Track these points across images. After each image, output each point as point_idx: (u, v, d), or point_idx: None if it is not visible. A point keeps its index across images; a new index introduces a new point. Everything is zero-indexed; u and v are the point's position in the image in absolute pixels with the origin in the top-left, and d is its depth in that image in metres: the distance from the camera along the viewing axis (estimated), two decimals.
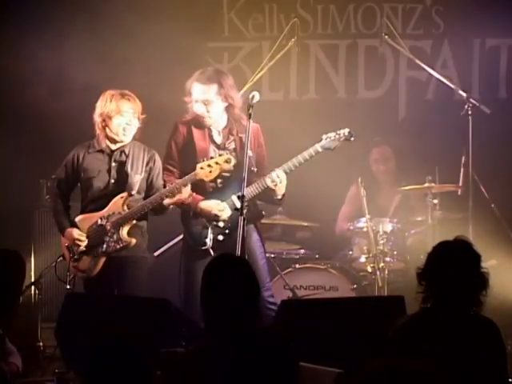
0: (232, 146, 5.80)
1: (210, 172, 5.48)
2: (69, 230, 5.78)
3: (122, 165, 5.78)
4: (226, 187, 5.70)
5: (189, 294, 5.65)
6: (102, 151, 5.82)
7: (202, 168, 5.48)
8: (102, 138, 5.80)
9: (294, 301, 6.24)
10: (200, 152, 5.74)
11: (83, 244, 5.72)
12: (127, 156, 5.79)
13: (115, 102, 5.71)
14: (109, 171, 5.79)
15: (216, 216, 5.67)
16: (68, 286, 5.69)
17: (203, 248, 5.65)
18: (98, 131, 5.79)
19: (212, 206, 5.68)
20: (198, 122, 5.80)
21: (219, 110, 5.77)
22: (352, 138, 5.71)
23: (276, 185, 5.63)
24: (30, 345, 6.47)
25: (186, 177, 5.60)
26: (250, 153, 5.66)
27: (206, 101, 5.71)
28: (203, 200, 5.71)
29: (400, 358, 2.24)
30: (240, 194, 5.23)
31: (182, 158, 5.81)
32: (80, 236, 5.73)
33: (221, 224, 5.70)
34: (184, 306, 5.58)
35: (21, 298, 4.62)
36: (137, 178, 5.74)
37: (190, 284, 5.65)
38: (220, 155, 5.56)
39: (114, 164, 5.79)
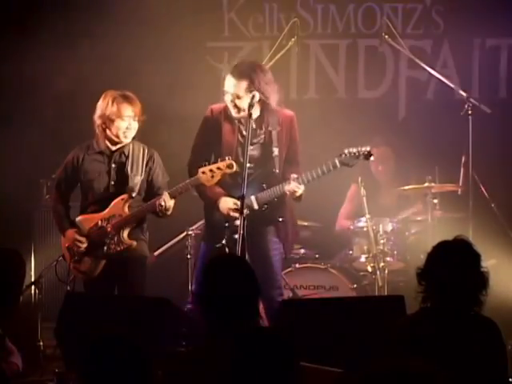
0: (261, 140, 5.69)
1: (212, 177, 5.40)
2: (69, 231, 5.77)
3: (121, 166, 5.76)
4: (249, 184, 5.46)
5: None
6: (101, 153, 5.80)
7: (203, 173, 5.42)
8: (101, 139, 5.77)
9: (294, 300, 6.24)
10: (226, 146, 5.64)
11: (83, 246, 5.72)
12: (127, 157, 5.77)
13: (116, 105, 5.66)
14: (109, 173, 5.77)
15: (232, 215, 5.61)
16: (68, 288, 5.70)
17: (217, 246, 5.61)
18: (97, 132, 5.76)
19: (229, 204, 5.60)
20: (230, 114, 5.67)
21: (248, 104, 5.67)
22: (372, 158, 5.60)
23: (293, 193, 5.57)
24: (30, 344, 6.47)
25: (188, 180, 5.57)
26: (275, 151, 5.60)
27: (236, 95, 5.58)
28: (224, 196, 5.61)
29: (400, 358, 2.24)
30: (243, 194, 5.23)
31: (207, 150, 5.69)
32: (80, 238, 5.73)
33: (237, 222, 5.62)
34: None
35: (21, 297, 4.62)
36: (137, 180, 5.72)
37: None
38: (221, 160, 5.45)
39: (113, 165, 5.77)
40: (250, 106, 5.40)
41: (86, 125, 5.95)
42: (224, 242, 5.59)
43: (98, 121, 5.71)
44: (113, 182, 5.76)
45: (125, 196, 5.69)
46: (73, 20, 7.57)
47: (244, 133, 5.61)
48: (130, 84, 6.12)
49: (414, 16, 7.85)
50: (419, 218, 6.98)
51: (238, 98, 5.58)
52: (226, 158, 5.42)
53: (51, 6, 7.58)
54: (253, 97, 5.42)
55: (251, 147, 5.57)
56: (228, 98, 5.62)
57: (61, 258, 5.88)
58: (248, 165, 5.38)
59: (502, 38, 7.74)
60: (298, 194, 5.57)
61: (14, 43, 7.46)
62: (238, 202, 5.43)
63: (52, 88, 7.44)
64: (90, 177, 5.79)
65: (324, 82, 7.94)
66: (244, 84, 5.56)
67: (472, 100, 6.58)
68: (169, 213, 5.63)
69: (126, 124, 5.69)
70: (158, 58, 7.53)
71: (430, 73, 7.08)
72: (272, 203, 5.60)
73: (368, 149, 5.57)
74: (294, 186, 5.53)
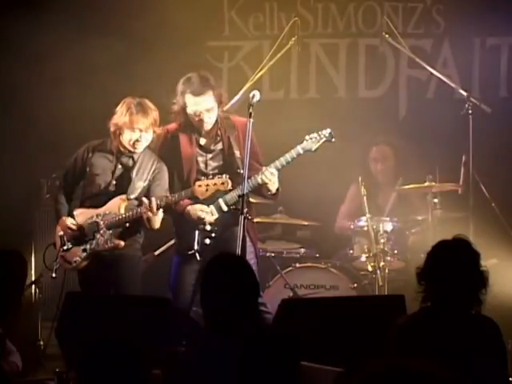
0: (219, 147, 5.77)
1: (207, 191, 5.50)
2: (63, 218, 5.82)
3: (127, 169, 5.80)
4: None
5: (176, 296, 5.70)
6: (111, 152, 5.83)
7: (199, 186, 5.51)
8: (114, 142, 5.80)
9: (294, 300, 6.24)
10: (186, 158, 5.75)
11: (74, 233, 5.75)
12: (135, 162, 5.79)
13: (129, 117, 5.66)
14: (113, 172, 5.81)
15: (200, 219, 5.65)
16: (54, 275, 5.75)
17: (189, 252, 5.66)
18: (111, 135, 5.78)
19: (197, 209, 5.67)
20: (186, 128, 5.77)
21: (216, 113, 5.75)
22: (333, 139, 5.65)
23: (266, 184, 5.59)
24: (31, 344, 6.48)
25: (183, 192, 5.64)
26: (237, 154, 5.66)
27: (208, 109, 5.68)
28: (190, 204, 5.69)
29: (400, 358, 2.24)
30: (241, 193, 5.27)
31: (169, 166, 5.78)
32: (72, 224, 5.76)
33: (208, 227, 5.66)
34: None
35: (23, 298, 4.63)
36: (139, 185, 5.75)
37: (178, 286, 5.76)
38: (219, 177, 5.49)
39: (119, 166, 5.81)
40: (250, 105, 5.41)
41: (88, 124, 5.94)
42: (196, 247, 5.63)
43: (111, 127, 5.74)
44: (114, 182, 5.81)
45: (123, 196, 5.73)
46: (73, 20, 7.57)
47: (200, 142, 5.76)
48: (128, 84, 6.11)
49: (414, 15, 7.85)
50: (420, 218, 6.98)
51: (210, 111, 5.68)
52: (223, 176, 5.48)
53: None
54: (253, 96, 5.43)
55: (210, 155, 5.72)
56: (199, 119, 5.67)
57: (51, 245, 5.89)
58: (211, 172, 5.65)
59: (503, 37, 7.74)
60: (272, 184, 5.56)
61: (13, 42, 7.47)
62: (205, 207, 5.63)
63: (53, 88, 7.43)
64: (94, 171, 5.83)
65: (324, 81, 7.94)
66: (210, 93, 5.66)
67: (472, 99, 6.58)
68: (157, 226, 5.63)
69: (137, 136, 5.71)
70: (158, 57, 7.53)
71: (430, 72, 7.08)
72: (239, 202, 5.55)
73: (329, 130, 5.65)
74: (268, 174, 5.53)
